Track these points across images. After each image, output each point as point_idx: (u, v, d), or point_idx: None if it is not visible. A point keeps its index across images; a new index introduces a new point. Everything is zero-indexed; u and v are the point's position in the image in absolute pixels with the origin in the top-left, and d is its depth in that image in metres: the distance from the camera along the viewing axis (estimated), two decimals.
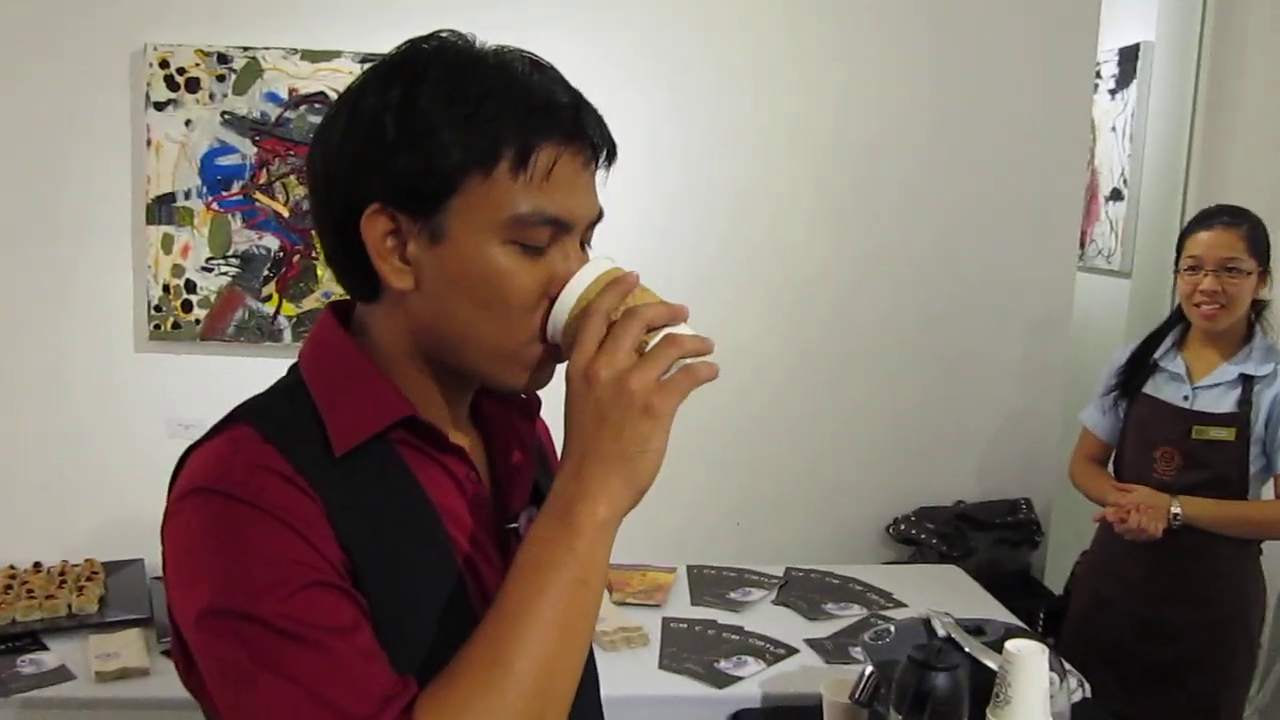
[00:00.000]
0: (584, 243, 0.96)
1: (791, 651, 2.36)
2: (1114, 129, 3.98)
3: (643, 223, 3.10)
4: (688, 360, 0.88)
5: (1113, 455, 2.69)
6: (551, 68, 0.94)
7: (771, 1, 3.13)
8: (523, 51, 0.93)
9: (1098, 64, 3.75)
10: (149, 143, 2.89)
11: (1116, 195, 3.97)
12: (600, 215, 0.96)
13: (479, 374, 0.95)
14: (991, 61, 3.22)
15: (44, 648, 2.31)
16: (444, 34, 0.93)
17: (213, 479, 0.86)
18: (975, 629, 1.83)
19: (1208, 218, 2.49)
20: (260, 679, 0.80)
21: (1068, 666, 1.90)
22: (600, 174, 0.96)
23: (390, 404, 0.93)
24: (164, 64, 2.87)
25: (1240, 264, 2.40)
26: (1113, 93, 3.99)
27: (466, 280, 0.89)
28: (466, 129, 0.87)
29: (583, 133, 0.92)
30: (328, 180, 0.92)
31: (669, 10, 3.08)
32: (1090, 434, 2.73)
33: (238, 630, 0.82)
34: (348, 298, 1.00)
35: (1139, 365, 2.60)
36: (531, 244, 0.90)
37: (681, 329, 0.90)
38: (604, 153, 0.95)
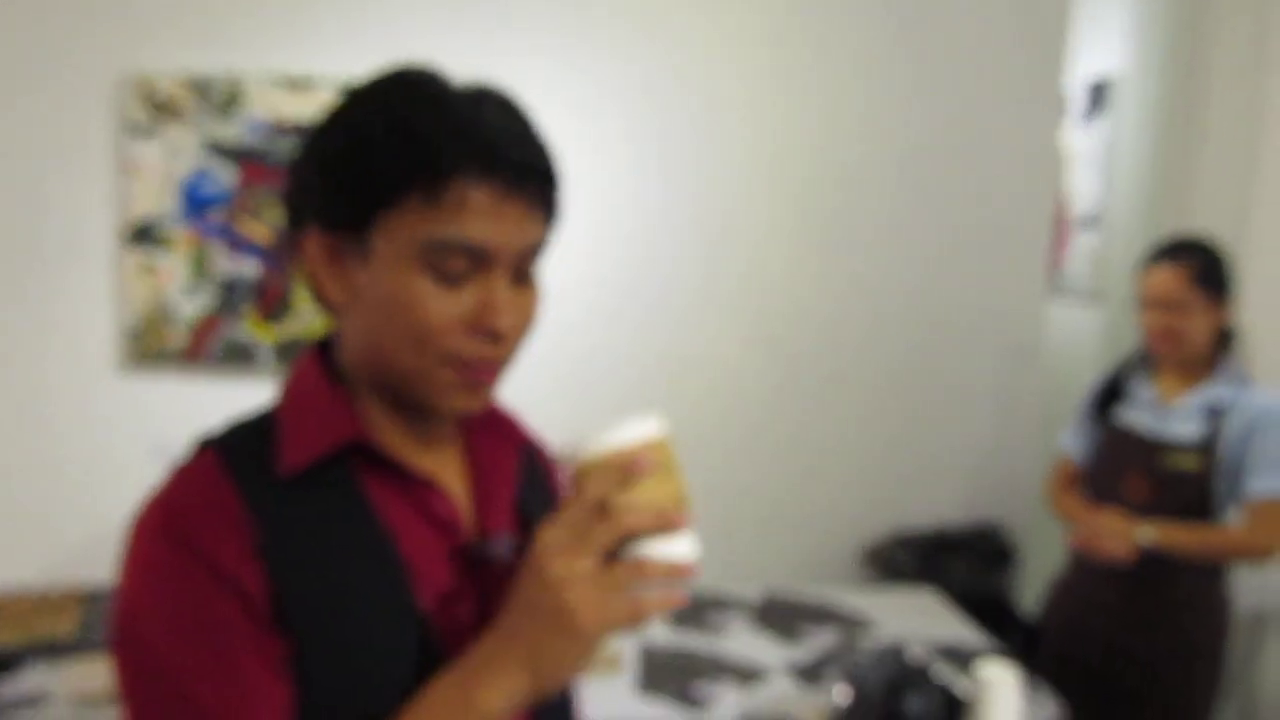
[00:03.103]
0: (526, 272, 0.95)
1: (767, 675, 2.37)
2: (1086, 158, 4.04)
3: (624, 251, 3.13)
4: (648, 586, 0.83)
5: (1088, 480, 2.72)
6: (500, 98, 0.93)
7: (752, 34, 3.18)
8: (481, 86, 0.94)
9: (1069, 95, 3.82)
10: (130, 168, 2.90)
11: (1089, 224, 4.02)
12: (537, 245, 0.94)
13: (410, 396, 0.96)
14: (964, 93, 3.28)
15: (21, 673, 2.30)
16: (413, 65, 0.95)
17: (156, 510, 0.90)
18: (950, 653, 1.86)
19: (1156, 255, 2.53)
20: (129, 712, 0.87)
21: (1040, 689, 1.93)
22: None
23: (340, 426, 0.94)
24: (146, 90, 2.88)
25: (1183, 301, 2.45)
26: (1084, 122, 4.05)
27: (384, 303, 0.91)
28: (383, 156, 0.88)
29: (502, 162, 0.89)
30: (289, 197, 0.97)
31: (651, 42, 3.12)
32: (1065, 459, 2.76)
33: (124, 657, 0.88)
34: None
35: (1111, 391, 2.64)
36: (447, 272, 0.90)
37: (663, 545, 0.84)
38: (537, 182, 0.92)
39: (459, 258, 0.90)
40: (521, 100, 0.96)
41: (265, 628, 0.88)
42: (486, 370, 0.94)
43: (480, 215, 0.89)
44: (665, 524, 0.83)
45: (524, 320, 0.96)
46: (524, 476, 1.11)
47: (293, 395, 0.98)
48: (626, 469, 0.84)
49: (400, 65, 0.96)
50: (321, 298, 0.97)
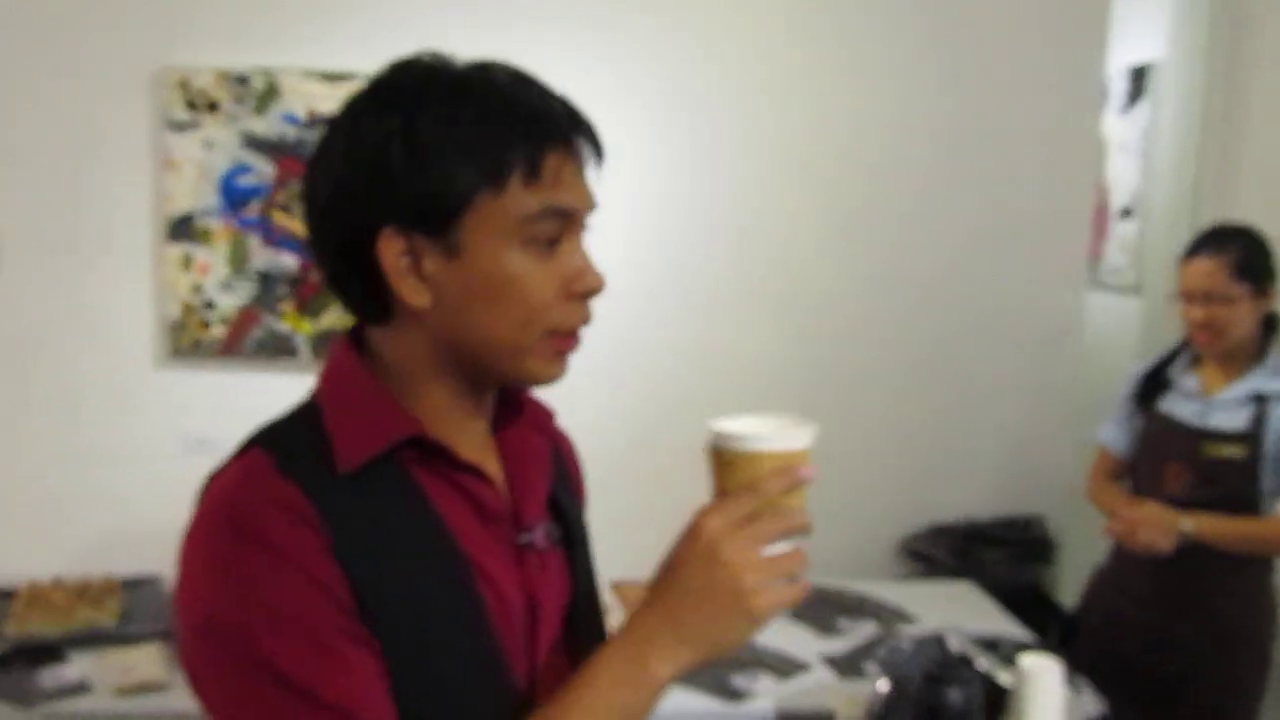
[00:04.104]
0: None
1: (805, 667, 2.37)
2: (1124, 147, 3.99)
3: (654, 240, 3.12)
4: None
5: (1130, 472, 2.69)
6: (532, 77, 0.97)
7: (781, 20, 3.16)
8: (502, 66, 0.97)
9: (1108, 82, 3.77)
10: (168, 163, 2.92)
11: (1127, 213, 3.98)
12: (595, 206, 1.00)
13: (499, 374, 0.98)
14: (1000, 80, 3.24)
15: (64, 661, 2.33)
16: (425, 57, 0.96)
17: (223, 512, 0.89)
18: (989, 645, 1.84)
19: (1195, 247, 2.49)
20: (244, 708, 0.87)
21: (1081, 681, 1.91)
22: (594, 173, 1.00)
23: (396, 422, 0.94)
24: (184, 85, 2.90)
25: (1225, 292, 2.41)
26: (1123, 110, 4.00)
27: (486, 288, 0.92)
28: (474, 149, 0.90)
29: (579, 135, 0.96)
30: (332, 207, 0.94)
31: (679, 30, 3.11)
32: (1106, 450, 2.73)
33: (219, 662, 0.86)
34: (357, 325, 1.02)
35: (1153, 381, 2.61)
36: (543, 238, 0.94)
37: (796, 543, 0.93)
38: (596, 148, 0.99)
39: (553, 225, 0.94)
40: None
41: (357, 623, 0.88)
42: (576, 337, 0.98)
43: (568, 184, 0.95)
44: (808, 528, 0.92)
45: None
46: (554, 466, 1.11)
47: (337, 391, 0.98)
48: (795, 474, 0.92)
49: (408, 59, 0.96)
50: (386, 301, 0.95)
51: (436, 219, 0.91)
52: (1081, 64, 3.29)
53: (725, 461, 0.93)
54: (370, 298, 0.95)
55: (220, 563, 0.87)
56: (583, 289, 0.96)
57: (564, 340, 0.97)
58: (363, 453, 0.92)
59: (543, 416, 1.10)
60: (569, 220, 0.95)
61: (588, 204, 0.97)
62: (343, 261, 0.95)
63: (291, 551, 0.86)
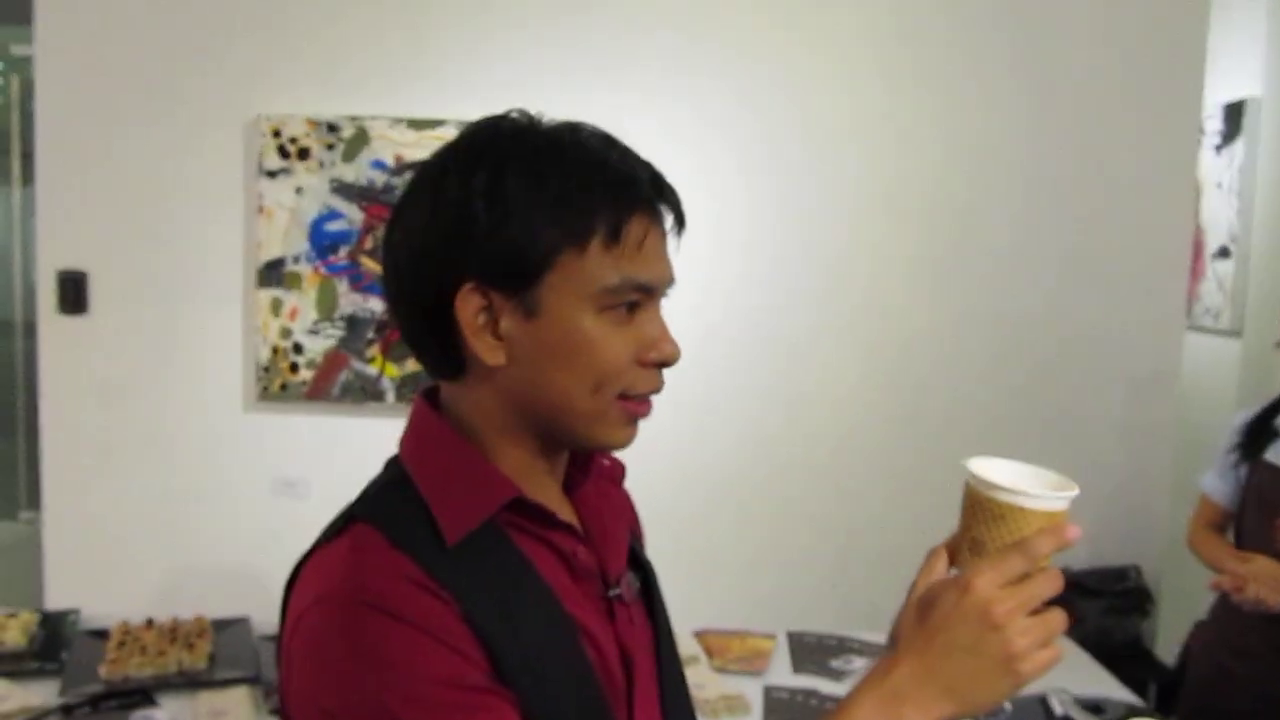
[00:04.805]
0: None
1: None
2: (1220, 185, 3.89)
3: (742, 283, 3.11)
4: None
5: (1233, 522, 2.60)
6: (619, 141, 0.97)
7: (867, 62, 3.14)
8: (590, 127, 0.97)
9: (1202, 120, 3.68)
10: (260, 209, 2.98)
11: (1224, 253, 3.87)
12: (674, 282, 0.99)
13: (573, 438, 0.97)
14: (1093, 119, 3.18)
15: (155, 704, 2.35)
16: (513, 115, 0.96)
17: (347, 589, 0.87)
18: (1094, 707, 1.78)
19: None
20: None
21: None
22: (672, 241, 1.00)
23: (496, 487, 0.94)
24: (276, 133, 2.96)
25: None
26: (1218, 148, 3.90)
27: (562, 351, 0.92)
28: (558, 208, 0.90)
29: (662, 204, 0.96)
30: (414, 262, 0.94)
31: (766, 74, 3.10)
32: (1209, 500, 2.64)
33: None
34: (434, 383, 1.01)
35: (1259, 430, 2.52)
36: (619, 312, 0.93)
37: None
38: (680, 219, 0.99)
39: (632, 297, 0.94)
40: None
41: (498, 682, 0.87)
42: (648, 403, 0.98)
43: (651, 254, 0.95)
44: (1063, 589, 0.90)
45: None
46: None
47: (426, 456, 0.97)
48: (1064, 536, 0.90)
49: (496, 116, 0.97)
50: (460, 358, 0.95)
51: (518, 277, 0.91)
52: (1178, 102, 3.22)
53: (989, 510, 0.92)
54: (444, 353, 0.95)
55: (353, 640, 0.85)
56: (658, 358, 0.96)
57: (636, 405, 0.96)
58: (468, 523, 0.92)
59: (617, 470, 1.10)
60: (650, 294, 0.96)
61: (667, 279, 0.98)
62: (420, 316, 0.95)
63: (424, 621, 0.85)
